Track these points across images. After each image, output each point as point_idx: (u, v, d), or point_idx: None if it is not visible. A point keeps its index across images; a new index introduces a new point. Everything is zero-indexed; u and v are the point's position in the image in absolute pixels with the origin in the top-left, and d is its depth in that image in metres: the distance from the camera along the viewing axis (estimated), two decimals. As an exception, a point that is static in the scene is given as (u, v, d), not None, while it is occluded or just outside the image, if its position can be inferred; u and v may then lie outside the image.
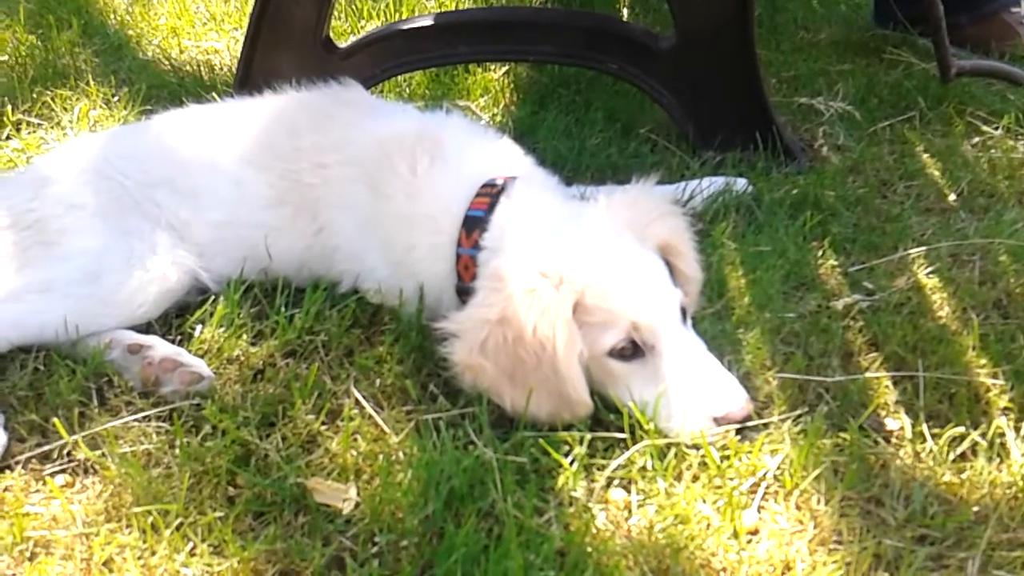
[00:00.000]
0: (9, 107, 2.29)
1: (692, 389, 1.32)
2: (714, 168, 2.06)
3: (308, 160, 1.67)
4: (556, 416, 1.34)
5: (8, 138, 2.21)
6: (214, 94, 2.31)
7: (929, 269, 1.69)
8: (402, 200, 1.58)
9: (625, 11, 3.06)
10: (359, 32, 2.78)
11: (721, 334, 1.51)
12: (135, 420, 1.39)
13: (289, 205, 1.67)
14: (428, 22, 2.14)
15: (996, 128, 2.18)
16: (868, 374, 1.45)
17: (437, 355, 1.48)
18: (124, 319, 1.56)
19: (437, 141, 1.62)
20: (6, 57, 2.60)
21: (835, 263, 1.74)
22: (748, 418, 1.32)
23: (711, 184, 1.91)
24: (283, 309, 1.59)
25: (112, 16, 2.91)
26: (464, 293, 1.50)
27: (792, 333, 1.55)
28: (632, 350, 1.35)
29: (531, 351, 1.32)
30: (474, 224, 1.51)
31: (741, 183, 1.93)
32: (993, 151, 2.10)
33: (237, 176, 1.69)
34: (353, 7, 2.86)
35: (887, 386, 1.43)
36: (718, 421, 1.31)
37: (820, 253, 1.76)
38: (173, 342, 1.55)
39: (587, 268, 1.36)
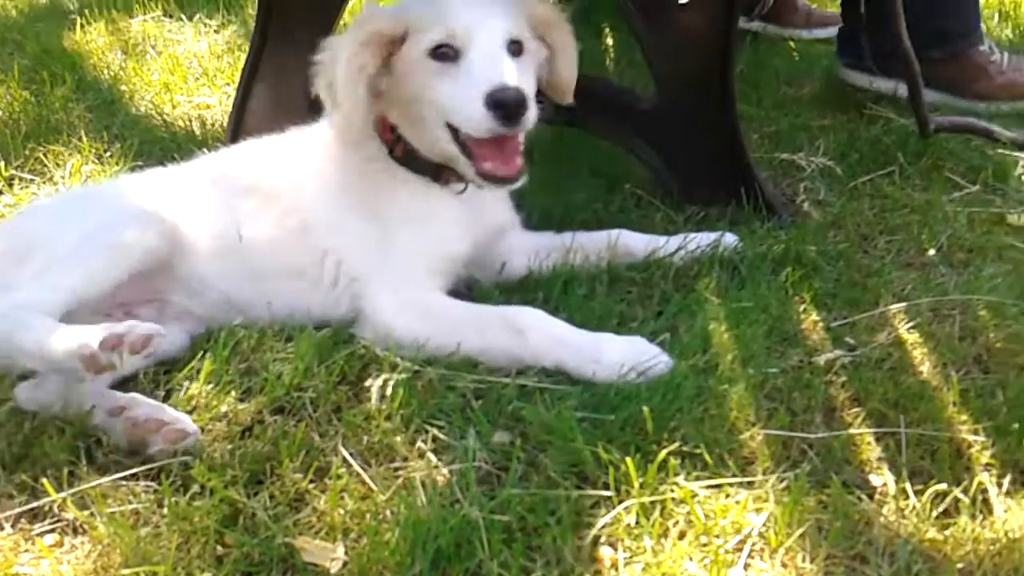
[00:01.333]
0: (2, 163, 2.32)
1: (474, 76, 1.57)
2: (698, 223, 2.10)
3: None
4: None
5: (0, 193, 2.24)
6: (205, 150, 2.34)
7: (910, 324, 1.71)
8: None
9: (611, 66, 3.14)
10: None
11: (705, 390, 1.53)
12: (123, 479, 1.39)
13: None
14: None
15: (974, 183, 2.23)
16: (851, 430, 1.47)
17: (426, 410, 1.51)
18: (143, 259, 1.65)
19: None
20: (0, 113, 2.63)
21: (817, 318, 1.76)
22: (521, 104, 1.54)
23: (700, 239, 1.93)
24: (271, 365, 1.61)
25: (106, 71, 2.96)
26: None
27: (775, 389, 1.56)
28: (447, 54, 1.62)
29: None
30: None
31: (730, 239, 1.95)
32: (972, 206, 2.15)
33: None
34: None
35: (870, 442, 1.45)
36: (492, 103, 1.53)
37: (802, 308, 1.78)
38: (160, 398, 1.56)
39: None
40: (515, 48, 1.67)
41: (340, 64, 1.64)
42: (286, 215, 1.77)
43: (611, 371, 1.56)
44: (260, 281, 1.75)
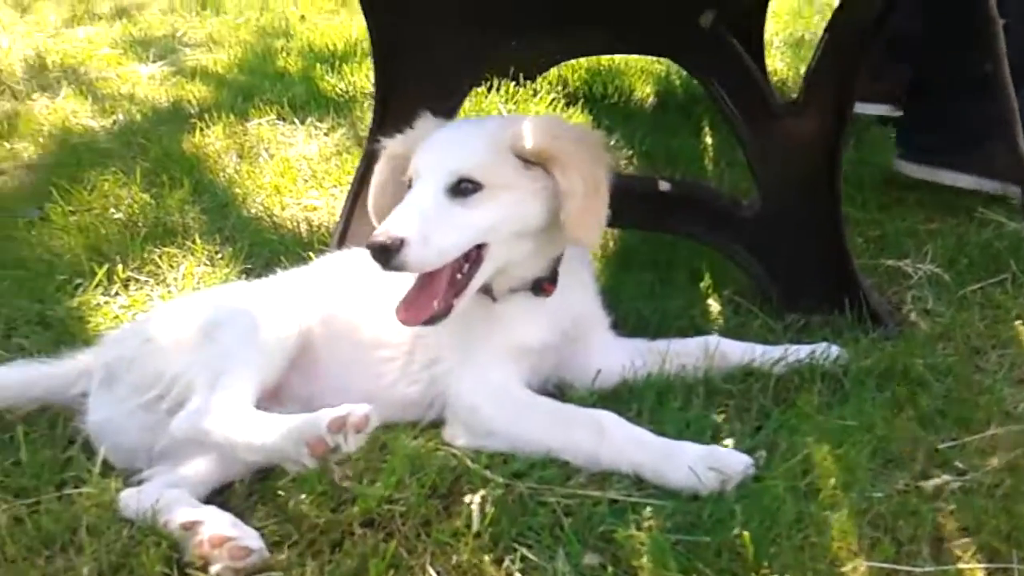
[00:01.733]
0: (120, 265, 2.44)
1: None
2: (798, 332, 2.05)
3: None
4: None
5: (116, 295, 2.35)
6: (311, 254, 2.42)
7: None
8: None
9: (710, 166, 3.14)
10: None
11: (805, 515, 1.47)
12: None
13: None
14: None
15: (1096, 293, 2.12)
16: (960, 564, 1.38)
17: (515, 528, 1.49)
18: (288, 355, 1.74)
19: None
20: (120, 215, 2.78)
21: (925, 438, 1.68)
22: (383, 250, 1.54)
23: (801, 351, 1.88)
24: (363, 475, 1.62)
25: (221, 174, 3.10)
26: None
27: (880, 515, 1.49)
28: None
29: None
30: None
31: (834, 351, 1.89)
32: (1093, 319, 2.04)
33: None
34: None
35: (982, 580, 1.36)
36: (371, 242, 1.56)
37: (909, 428, 1.70)
38: (253, 504, 1.59)
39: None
40: (464, 187, 1.63)
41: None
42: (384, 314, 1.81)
43: (687, 474, 1.54)
44: (362, 367, 1.80)
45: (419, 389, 1.80)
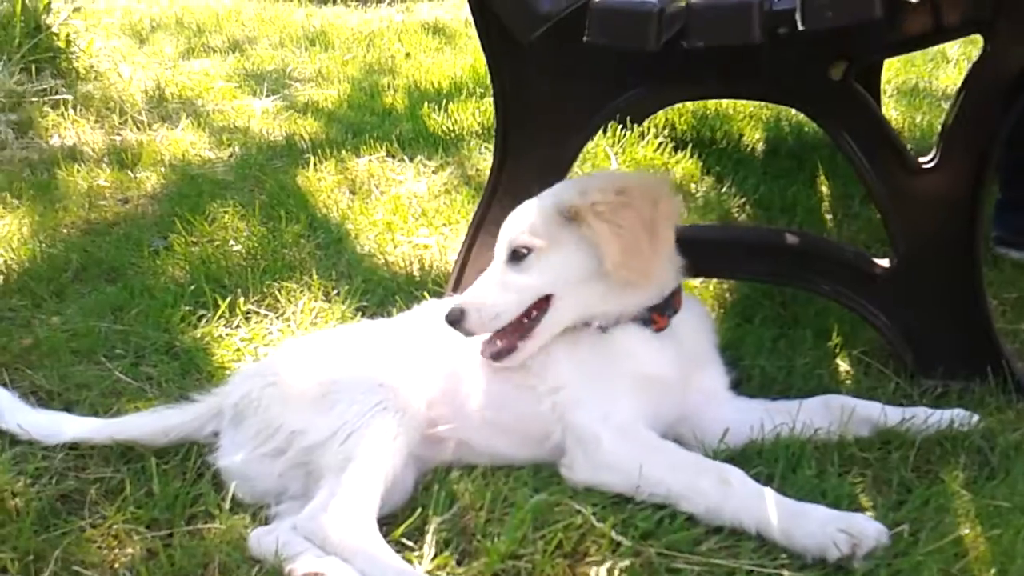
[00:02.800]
0: (241, 298, 2.47)
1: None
2: (935, 400, 1.95)
3: None
4: None
5: (238, 327, 2.38)
6: (424, 293, 2.43)
7: None
8: None
9: (827, 216, 3.06)
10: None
11: (960, 603, 1.39)
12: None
13: None
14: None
15: None
16: None
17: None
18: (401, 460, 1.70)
19: None
20: (239, 247, 2.83)
21: (1087, 524, 1.58)
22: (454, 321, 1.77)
23: (941, 417, 1.80)
24: (489, 527, 1.59)
25: (334, 209, 3.14)
26: None
27: (1041, 608, 1.40)
28: None
29: None
30: None
31: (974, 419, 1.80)
32: None
33: None
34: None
35: None
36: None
37: (1067, 512, 1.60)
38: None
39: None
40: (519, 254, 1.80)
41: None
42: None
43: (816, 537, 1.49)
44: (487, 424, 1.81)
45: (544, 415, 1.77)
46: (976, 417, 1.82)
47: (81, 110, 4.29)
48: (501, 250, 1.83)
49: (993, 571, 1.44)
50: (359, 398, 1.70)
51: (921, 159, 1.96)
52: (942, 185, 1.94)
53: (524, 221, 1.81)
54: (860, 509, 1.64)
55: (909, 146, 2.02)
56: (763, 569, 1.49)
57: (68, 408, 2.01)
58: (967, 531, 1.53)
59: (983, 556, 1.47)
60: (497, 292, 1.79)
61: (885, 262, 2.05)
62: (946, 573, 1.44)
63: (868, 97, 2.02)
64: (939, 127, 3.64)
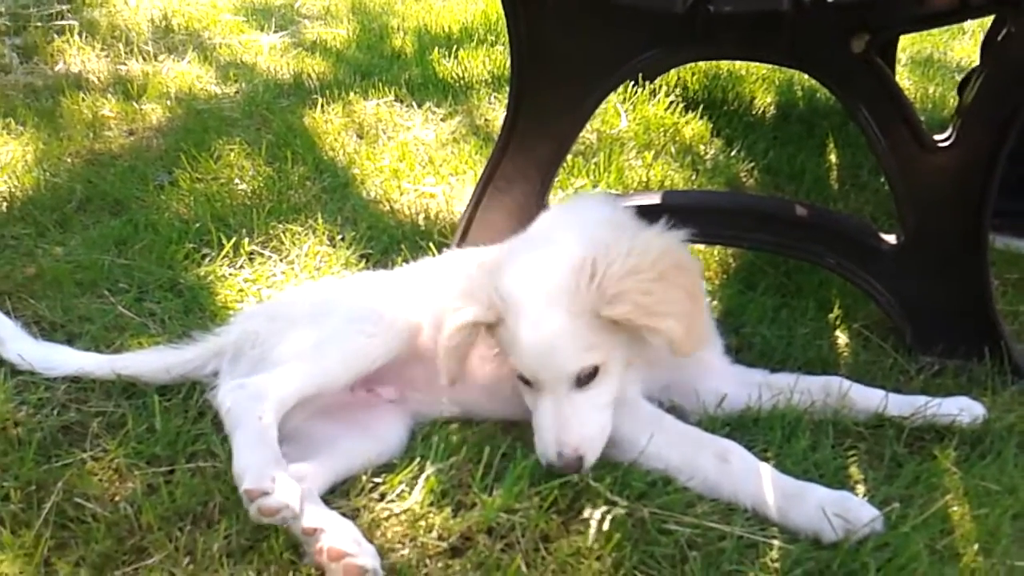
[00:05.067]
0: (246, 238, 2.47)
1: (542, 429, 1.63)
2: (933, 376, 1.97)
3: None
4: None
5: (241, 267, 2.38)
6: (430, 244, 2.42)
7: None
8: None
9: (835, 186, 3.05)
10: (568, 187, 2.87)
11: (944, 578, 1.42)
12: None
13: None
14: (647, 201, 2.17)
15: None
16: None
17: (636, 555, 1.47)
18: (380, 362, 1.75)
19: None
20: (245, 186, 2.82)
21: (1073, 509, 1.60)
22: (577, 467, 1.60)
23: (940, 407, 1.80)
24: (486, 481, 1.62)
25: (341, 153, 3.12)
26: None
27: (1025, 588, 1.43)
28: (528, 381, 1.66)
29: None
30: None
31: (977, 410, 1.81)
32: None
33: None
34: (564, 163, 2.95)
35: None
36: (551, 463, 1.61)
37: (1056, 496, 1.63)
38: (375, 501, 1.59)
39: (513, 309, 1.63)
40: (586, 375, 1.63)
41: (441, 337, 1.69)
42: None
43: (811, 518, 1.52)
44: (485, 390, 1.81)
45: None
46: (982, 411, 1.81)
47: (87, 37, 4.23)
48: (559, 377, 1.62)
49: (976, 548, 1.46)
50: (345, 320, 1.75)
51: (937, 137, 1.95)
52: (956, 164, 1.93)
53: (573, 341, 1.61)
54: (852, 482, 1.67)
55: (922, 118, 2.01)
56: (754, 536, 1.52)
57: (70, 340, 2.02)
58: (955, 509, 1.56)
59: (968, 534, 1.50)
60: (591, 418, 1.64)
61: (891, 237, 2.06)
62: (931, 549, 1.46)
63: (888, 72, 2.00)
64: (952, 100, 3.63)
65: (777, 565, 1.46)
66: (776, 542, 1.51)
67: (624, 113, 3.45)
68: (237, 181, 2.85)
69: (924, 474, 1.65)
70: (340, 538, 1.46)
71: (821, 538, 1.50)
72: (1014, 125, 1.86)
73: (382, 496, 1.62)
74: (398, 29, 4.84)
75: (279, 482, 1.45)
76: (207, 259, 2.38)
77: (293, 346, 1.72)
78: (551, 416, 1.63)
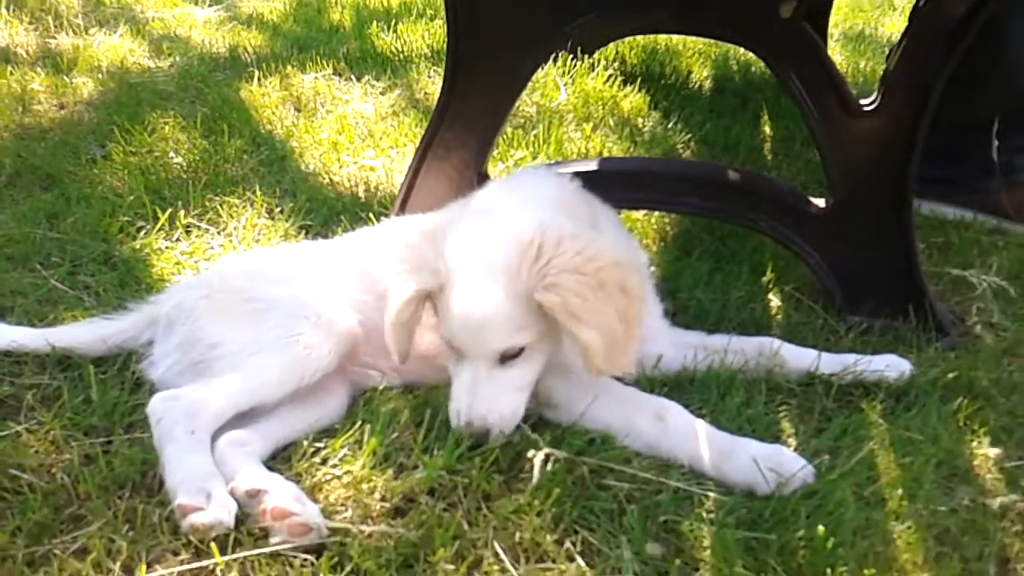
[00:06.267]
0: (182, 211, 2.44)
1: (457, 397, 1.64)
2: (860, 334, 2.04)
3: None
4: None
5: (178, 240, 2.35)
6: (370, 215, 2.42)
7: (1095, 474, 1.62)
8: None
9: (768, 156, 3.11)
10: (508, 160, 2.88)
11: (872, 523, 1.47)
12: (283, 548, 1.42)
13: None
14: (581, 168, 2.20)
15: None
16: (1029, 588, 1.39)
17: (576, 510, 1.50)
18: (318, 374, 1.69)
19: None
20: (180, 159, 2.78)
21: (991, 455, 1.68)
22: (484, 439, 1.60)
23: (868, 365, 1.86)
24: (428, 443, 1.63)
25: (279, 127, 3.09)
26: None
27: (945, 530, 1.49)
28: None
29: None
30: None
31: (904, 367, 1.87)
32: None
33: None
34: (504, 136, 2.97)
35: (1051, 605, 1.36)
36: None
37: (975, 443, 1.70)
38: (316, 465, 1.60)
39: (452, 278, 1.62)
40: (509, 354, 1.63)
41: (387, 313, 1.69)
42: None
43: (746, 473, 1.56)
44: (423, 361, 1.80)
45: None
46: (908, 367, 1.87)
47: (14, 10, 4.12)
48: (484, 351, 1.62)
49: (900, 494, 1.52)
50: (284, 321, 1.70)
51: (863, 102, 2.00)
52: (881, 128, 1.99)
53: (505, 320, 1.60)
54: (784, 436, 1.72)
55: (854, 92, 2.06)
56: (690, 488, 1.56)
57: (2, 315, 1.98)
58: (881, 458, 1.61)
59: (893, 481, 1.56)
60: (507, 395, 1.64)
61: (821, 202, 2.11)
62: (858, 496, 1.52)
63: (816, 37, 2.05)
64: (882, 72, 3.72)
65: (712, 516, 1.50)
66: (711, 493, 1.55)
67: (563, 86, 3.47)
68: (172, 154, 2.81)
69: (852, 427, 1.70)
70: (284, 497, 1.46)
71: (755, 490, 1.55)
72: (936, 89, 1.92)
73: (324, 460, 1.63)
74: (336, 3, 4.80)
75: (214, 497, 1.45)
76: (142, 232, 2.35)
77: (229, 350, 1.68)
78: (467, 387, 1.63)
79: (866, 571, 1.36)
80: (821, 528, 1.38)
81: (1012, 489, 1.59)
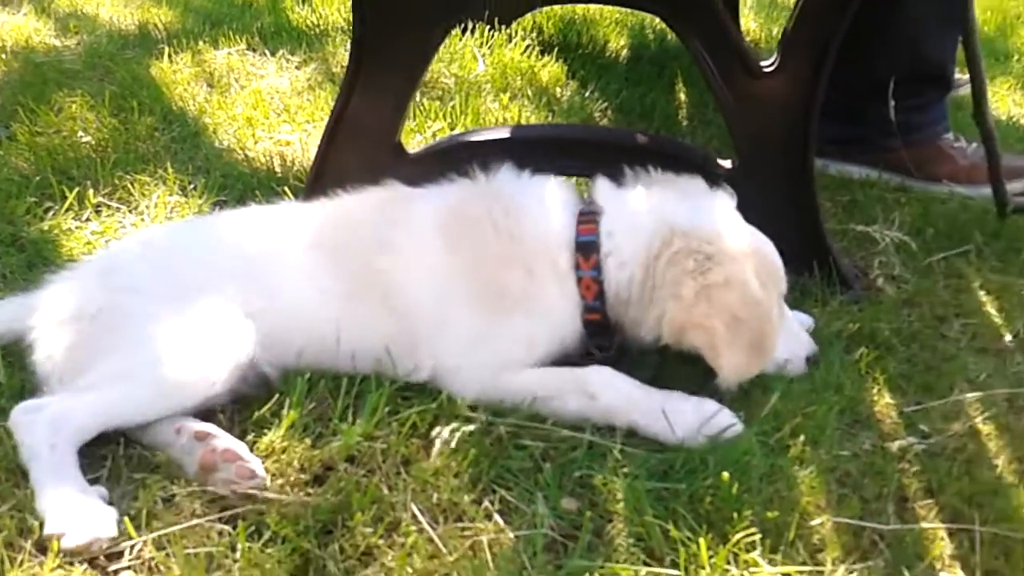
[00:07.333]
0: (91, 190, 2.39)
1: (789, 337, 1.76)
2: (768, 291, 2.09)
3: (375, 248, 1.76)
4: (747, 373, 1.67)
5: (88, 220, 2.31)
6: (285, 188, 2.40)
7: (985, 414, 1.70)
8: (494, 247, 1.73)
9: (684, 123, 3.16)
10: (425, 131, 2.88)
11: (777, 469, 1.53)
12: (200, 520, 1.42)
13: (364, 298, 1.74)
14: (492, 136, 2.22)
15: (1052, 268, 2.21)
16: (924, 524, 1.45)
17: (494, 469, 1.53)
18: (200, 397, 1.61)
19: (508, 193, 1.80)
20: (89, 138, 2.72)
21: (891, 402, 1.75)
22: None
23: None
24: (346, 413, 1.64)
25: (191, 103, 3.04)
26: (591, 311, 1.73)
27: (846, 474, 1.56)
28: None
29: (752, 310, 1.64)
30: (590, 247, 1.72)
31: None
32: (1050, 291, 2.12)
33: (310, 274, 1.76)
34: (420, 107, 2.96)
35: (943, 538, 1.43)
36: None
37: (875, 390, 1.77)
38: (236, 436, 1.59)
39: (748, 242, 1.74)
40: None
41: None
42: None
43: (683, 433, 1.60)
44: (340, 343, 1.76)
45: (401, 340, 1.74)
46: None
47: (-93, -11, 3.97)
48: None
49: (803, 440, 1.58)
50: (167, 341, 1.60)
51: (763, 63, 2.05)
52: (781, 88, 2.04)
53: None
54: (697, 391, 1.76)
55: (767, 57, 2.11)
56: (602, 441, 1.60)
57: (-98, 298, 1.92)
58: (786, 407, 1.67)
59: (797, 429, 1.61)
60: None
61: (727, 163, 2.16)
62: (764, 443, 1.57)
63: (717, 2, 2.08)
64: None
65: (625, 469, 1.54)
66: (626, 448, 1.59)
67: (481, 58, 3.47)
68: (81, 134, 2.74)
69: (760, 378, 1.76)
70: (234, 443, 1.49)
71: (689, 446, 1.58)
72: (832, 48, 1.97)
73: (242, 433, 1.62)
74: (249, -22, 4.71)
75: (85, 513, 1.39)
76: (50, 213, 2.30)
77: (108, 367, 1.58)
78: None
79: (769, 513, 1.41)
80: (726, 475, 1.43)
81: (910, 432, 1.66)
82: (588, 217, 1.78)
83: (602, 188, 1.85)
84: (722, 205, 1.82)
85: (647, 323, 1.73)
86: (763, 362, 1.68)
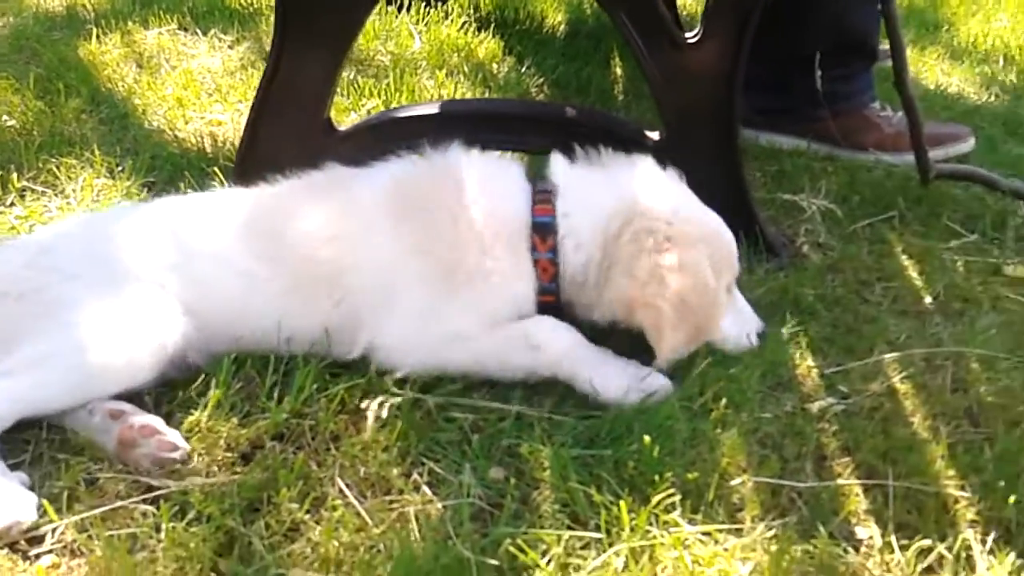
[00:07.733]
0: (15, 174, 2.35)
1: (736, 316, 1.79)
2: (698, 261, 2.12)
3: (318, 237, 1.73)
4: (688, 348, 1.69)
5: (12, 204, 2.27)
6: (215, 168, 2.38)
7: (903, 374, 1.74)
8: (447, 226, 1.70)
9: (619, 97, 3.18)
10: (359, 109, 2.86)
11: (699, 433, 1.56)
12: (123, 502, 1.41)
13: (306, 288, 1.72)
14: (423, 111, 2.21)
15: (972, 232, 2.26)
16: (840, 481, 1.49)
17: (423, 443, 1.54)
18: (122, 385, 1.59)
19: (458, 170, 1.78)
20: (13, 122, 2.66)
21: (812, 364, 1.79)
22: None
23: None
24: (273, 391, 1.64)
25: (120, 84, 2.98)
26: (546, 293, 1.73)
27: (767, 435, 1.59)
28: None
29: (701, 296, 1.66)
30: (547, 229, 1.72)
31: None
32: (969, 255, 2.17)
33: (246, 268, 1.74)
34: (355, 85, 2.94)
35: (858, 494, 1.47)
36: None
37: (798, 353, 1.81)
38: (164, 416, 1.58)
39: (706, 225, 1.77)
40: None
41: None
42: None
43: (617, 393, 1.63)
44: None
45: (339, 317, 1.73)
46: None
47: None
48: None
49: (725, 403, 1.61)
50: (90, 330, 1.58)
51: (687, 35, 2.07)
52: (705, 59, 2.06)
53: None
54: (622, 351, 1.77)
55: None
56: (530, 411, 1.62)
57: None
58: (709, 371, 1.70)
59: (720, 393, 1.64)
60: None
61: (655, 134, 2.18)
62: (687, 408, 1.60)
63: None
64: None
65: (552, 437, 1.56)
66: (553, 416, 1.61)
67: (418, 35, 3.45)
68: (5, 117, 2.68)
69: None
70: (151, 418, 1.50)
71: (624, 404, 1.61)
72: (754, 18, 1.99)
73: (168, 414, 1.61)
74: (180, -44, 4.62)
75: (5, 499, 1.38)
76: (-28, 198, 2.26)
77: (30, 340, 1.55)
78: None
79: (690, 475, 1.44)
80: (647, 438, 1.46)
81: (830, 393, 1.70)
82: (543, 196, 1.76)
83: (557, 166, 1.83)
84: (679, 186, 1.83)
85: (601, 305, 1.74)
86: (699, 344, 1.71)
